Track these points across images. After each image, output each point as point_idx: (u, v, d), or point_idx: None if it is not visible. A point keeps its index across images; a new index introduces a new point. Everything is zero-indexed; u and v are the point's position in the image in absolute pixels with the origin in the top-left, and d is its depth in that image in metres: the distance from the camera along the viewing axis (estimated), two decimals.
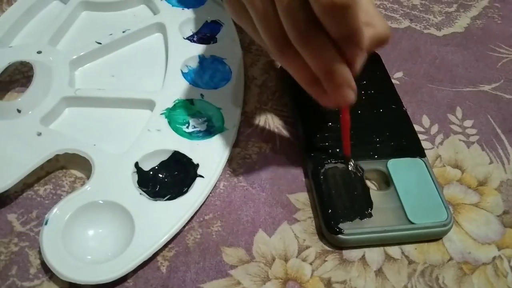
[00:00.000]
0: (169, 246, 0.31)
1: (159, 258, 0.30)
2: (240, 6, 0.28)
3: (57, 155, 0.33)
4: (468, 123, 0.40)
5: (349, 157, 0.34)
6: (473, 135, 0.39)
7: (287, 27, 0.26)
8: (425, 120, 0.40)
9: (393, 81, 0.42)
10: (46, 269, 0.29)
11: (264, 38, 0.28)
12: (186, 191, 0.32)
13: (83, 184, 0.33)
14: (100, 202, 0.31)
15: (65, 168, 0.35)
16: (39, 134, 0.34)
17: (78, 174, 0.34)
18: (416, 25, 0.50)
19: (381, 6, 0.52)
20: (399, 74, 0.44)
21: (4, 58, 0.39)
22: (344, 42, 0.27)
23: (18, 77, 0.41)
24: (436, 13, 0.52)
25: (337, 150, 0.35)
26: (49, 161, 0.33)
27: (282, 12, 0.26)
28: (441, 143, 0.38)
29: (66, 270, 0.28)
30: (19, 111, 0.35)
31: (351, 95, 0.28)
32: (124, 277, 0.29)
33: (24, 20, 0.44)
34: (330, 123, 0.37)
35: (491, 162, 0.37)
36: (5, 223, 0.31)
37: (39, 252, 0.30)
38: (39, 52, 0.40)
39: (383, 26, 0.29)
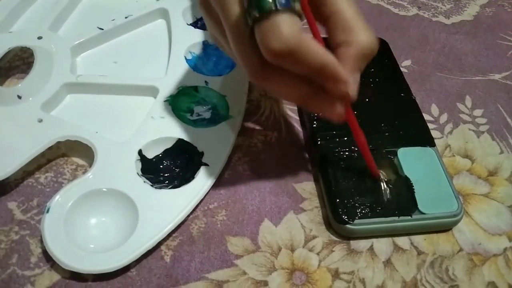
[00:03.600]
0: (173, 235, 0.30)
1: (163, 247, 0.30)
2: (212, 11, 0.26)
3: (58, 142, 0.33)
4: (477, 112, 0.39)
5: (378, 177, 0.32)
6: (483, 124, 0.38)
7: (244, 67, 0.25)
8: (434, 109, 0.39)
9: (401, 69, 0.41)
10: (47, 257, 0.28)
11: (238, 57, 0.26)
12: (191, 180, 0.32)
13: (84, 172, 0.33)
14: (104, 190, 0.30)
15: (67, 155, 0.34)
16: (40, 120, 0.34)
17: (80, 161, 0.34)
18: (424, 12, 0.49)
19: None
20: (407, 62, 0.43)
21: (3, 43, 0.38)
22: (314, 77, 0.25)
23: (18, 63, 0.40)
24: (444, 0, 0.51)
25: (345, 138, 0.34)
26: (50, 148, 0.32)
27: (236, 54, 0.25)
28: (450, 133, 0.37)
29: (68, 259, 0.27)
30: (19, 97, 0.35)
31: (338, 114, 0.26)
32: (127, 266, 0.28)
33: (25, 5, 0.43)
34: None
35: (501, 152, 0.36)
36: (5, 211, 0.31)
37: (40, 241, 0.29)
38: (39, 38, 0.39)
39: (365, 40, 0.26)
